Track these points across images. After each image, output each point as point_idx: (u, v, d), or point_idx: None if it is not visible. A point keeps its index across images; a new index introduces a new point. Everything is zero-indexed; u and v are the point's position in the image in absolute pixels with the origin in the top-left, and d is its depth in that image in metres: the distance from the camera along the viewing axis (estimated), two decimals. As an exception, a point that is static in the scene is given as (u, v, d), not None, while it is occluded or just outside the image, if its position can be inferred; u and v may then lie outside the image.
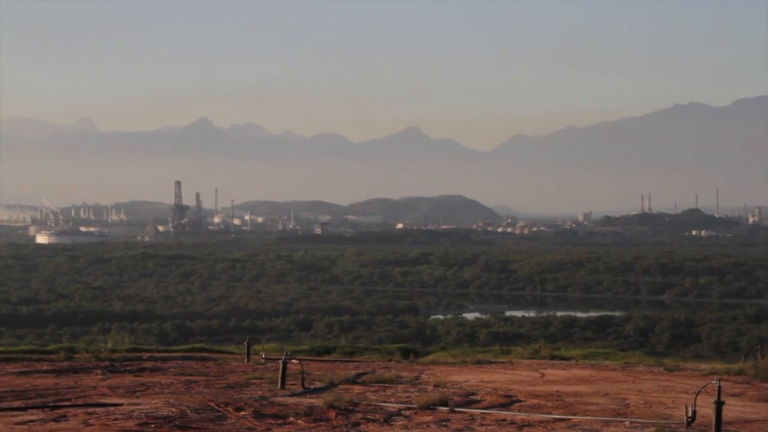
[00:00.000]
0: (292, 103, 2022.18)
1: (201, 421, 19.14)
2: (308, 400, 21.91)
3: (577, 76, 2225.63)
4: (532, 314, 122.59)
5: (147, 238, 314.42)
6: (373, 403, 21.66)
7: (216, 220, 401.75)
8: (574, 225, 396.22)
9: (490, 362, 31.05)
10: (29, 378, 25.61)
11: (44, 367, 27.98)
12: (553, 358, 32.39)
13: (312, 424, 19.12)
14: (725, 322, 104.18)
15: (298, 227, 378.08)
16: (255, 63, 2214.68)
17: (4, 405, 20.74)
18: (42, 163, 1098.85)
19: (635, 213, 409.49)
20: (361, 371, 27.56)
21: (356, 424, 19.17)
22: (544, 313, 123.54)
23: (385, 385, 24.92)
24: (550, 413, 20.43)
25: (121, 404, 20.96)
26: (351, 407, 20.83)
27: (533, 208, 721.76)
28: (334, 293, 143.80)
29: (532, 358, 32.46)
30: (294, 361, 26.33)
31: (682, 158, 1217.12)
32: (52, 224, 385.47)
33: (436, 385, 24.69)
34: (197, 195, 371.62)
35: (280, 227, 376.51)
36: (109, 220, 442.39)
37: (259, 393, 23.19)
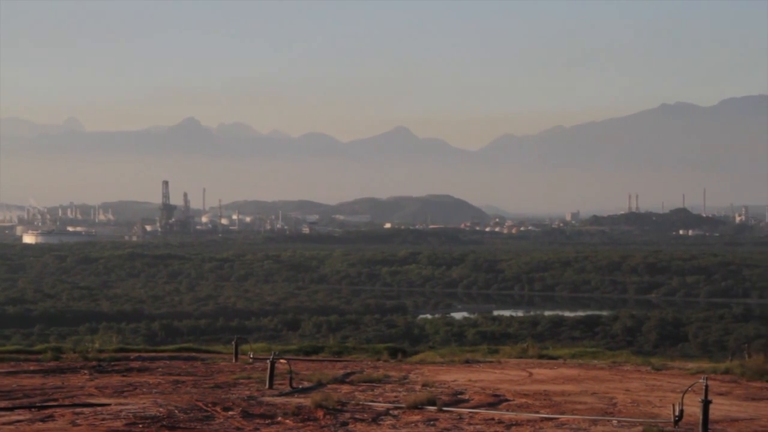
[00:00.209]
0: (280, 103, 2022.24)
1: (189, 421, 19.11)
2: (296, 400, 21.89)
3: (565, 76, 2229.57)
4: (519, 314, 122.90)
5: (134, 238, 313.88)
6: (361, 402, 21.65)
7: (204, 219, 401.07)
8: (561, 224, 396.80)
9: (478, 361, 31.07)
10: (16, 378, 25.53)
11: (31, 367, 27.89)
12: (540, 357, 32.43)
13: (300, 424, 19.11)
14: (712, 321, 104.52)
15: (286, 227, 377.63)
16: (243, 62, 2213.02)
17: (-9, 405, 20.67)
18: (29, 163, 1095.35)
19: (623, 212, 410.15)
20: (349, 371, 27.56)
21: (344, 424, 19.17)
22: (532, 313, 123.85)
23: (373, 384, 24.92)
24: (537, 412, 20.45)
25: (109, 404, 20.91)
26: (339, 407, 20.82)
27: (521, 208, 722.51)
28: (322, 293, 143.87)
29: (520, 358, 32.50)
30: (282, 360, 26.33)
31: (669, 158, 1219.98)
32: (39, 224, 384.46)
33: (424, 385, 24.70)
34: (185, 195, 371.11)
35: (268, 227, 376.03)
36: (97, 220, 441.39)
37: (247, 393, 23.16)
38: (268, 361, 24.80)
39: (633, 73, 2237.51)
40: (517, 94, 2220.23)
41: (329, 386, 24.29)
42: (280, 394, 22.93)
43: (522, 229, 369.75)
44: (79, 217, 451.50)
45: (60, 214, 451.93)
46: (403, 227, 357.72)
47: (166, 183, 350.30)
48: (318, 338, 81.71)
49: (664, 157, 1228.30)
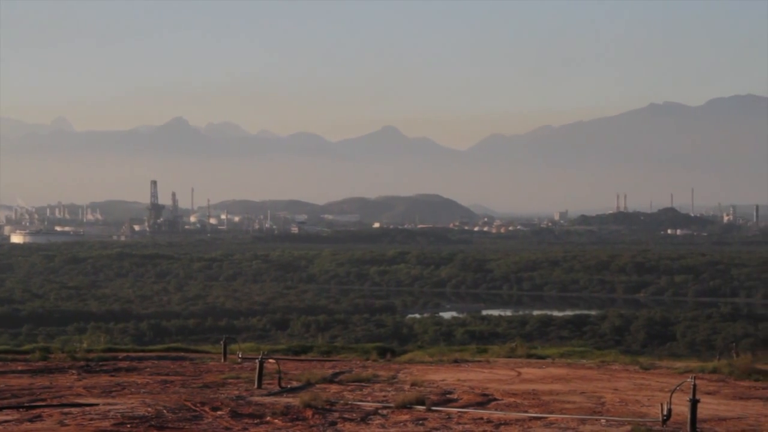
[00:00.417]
0: (268, 103, 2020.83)
1: (177, 420, 19.08)
2: (285, 400, 21.88)
3: (553, 75, 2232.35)
4: (508, 313, 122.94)
5: (123, 238, 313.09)
6: (350, 402, 21.66)
7: (192, 219, 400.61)
8: (550, 224, 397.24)
9: (466, 361, 31.10)
10: (4, 378, 25.46)
11: (19, 367, 27.83)
12: (529, 356, 32.49)
13: (289, 424, 19.11)
14: (700, 321, 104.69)
15: (274, 226, 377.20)
16: (231, 62, 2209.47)
17: (-22, 405, 20.61)
18: (17, 163, 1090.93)
19: (611, 212, 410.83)
20: (338, 370, 27.57)
21: (333, 423, 19.17)
22: (521, 312, 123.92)
23: (362, 384, 24.93)
24: (526, 412, 20.48)
25: (97, 404, 20.87)
26: (328, 406, 20.82)
27: (510, 207, 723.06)
28: (310, 292, 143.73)
29: (509, 357, 32.54)
30: (271, 360, 26.32)
31: (658, 157, 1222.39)
32: (27, 224, 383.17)
33: (413, 384, 24.71)
34: (173, 194, 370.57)
35: (256, 226, 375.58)
36: (85, 220, 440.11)
37: (236, 392, 23.15)
38: (256, 360, 24.79)
39: (621, 72, 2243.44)
40: (505, 93, 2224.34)
41: (318, 386, 24.29)
42: (269, 394, 22.92)
43: (510, 228, 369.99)
44: (67, 216, 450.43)
45: (48, 214, 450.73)
46: (391, 227, 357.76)
47: (154, 183, 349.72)
48: (307, 338, 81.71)
49: (653, 156, 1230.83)
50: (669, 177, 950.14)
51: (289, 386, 24.07)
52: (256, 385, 23.92)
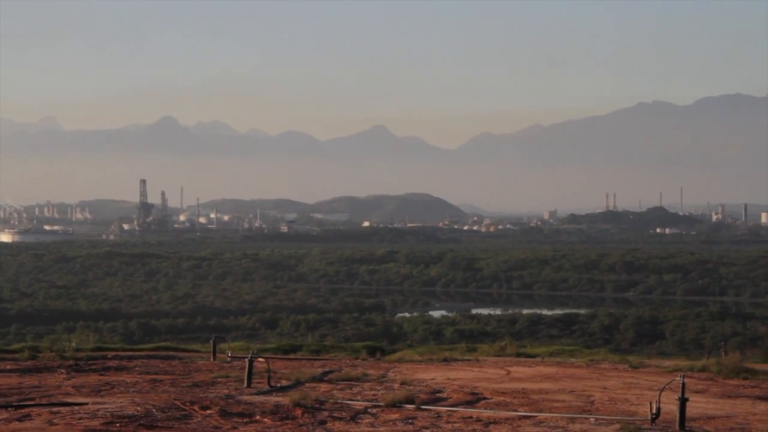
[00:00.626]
0: (257, 102, 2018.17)
1: (166, 419, 19.06)
2: (274, 399, 21.87)
3: (543, 75, 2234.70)
4: (498, 312, 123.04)
5: (112, 237, 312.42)
6: (339, 401, 21.66)
7: (182, 218, 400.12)
8: (539, 223, 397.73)
9: (456, 360, 31.12)
10: (-7, 377, 25.39)
11: (8, 367, 27.75)
12: (518, 355, 32.52)
13: (278, 423, 19.10)
14: (689, 320, 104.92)
15: (264, 225, 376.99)
16: (220, 61, 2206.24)
17: (-33, 405, 20.55)
18: (5, 161, 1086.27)
19: (600, 211, 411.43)
20: (327, 369, 27.56)
21: (323, 422, 19.16)
22: (510, 311, 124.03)
23: (352, 383, 24.93)
24: (515, 410, 20.50)
25: (86, 403, 20.83)
26: (317, 405, 20.82)
27: (499, 206, 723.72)
28: (300, 291, 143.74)
29: (498, 356, 32.56)
30: (260, 359, 26.30)
31: (647, 156, 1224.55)
32: (16, 223, 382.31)
33: (403, 383, 24.72)
34: (163, 193, 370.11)
35: (246, 225, 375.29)
36: (74, 219, 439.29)
37: (225, 391, 23.13)
38: (246, 359, 24.77)
39: (611, 71, 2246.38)
40: (495, 92, 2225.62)
41: (307, 385, 24.29)
42: (259, 393, 22.90)
43: (500, 227, 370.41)
44: (56, 215, 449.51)
45: (37, 213, 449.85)
46: (381, 226, 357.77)
47: (143, 181, 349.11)
48: (296, 337, 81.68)
49: (642, 155, 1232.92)
50: (658, 176, 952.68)
51: (278, 385, 24.06)
52: (245, 384, 23.90)
